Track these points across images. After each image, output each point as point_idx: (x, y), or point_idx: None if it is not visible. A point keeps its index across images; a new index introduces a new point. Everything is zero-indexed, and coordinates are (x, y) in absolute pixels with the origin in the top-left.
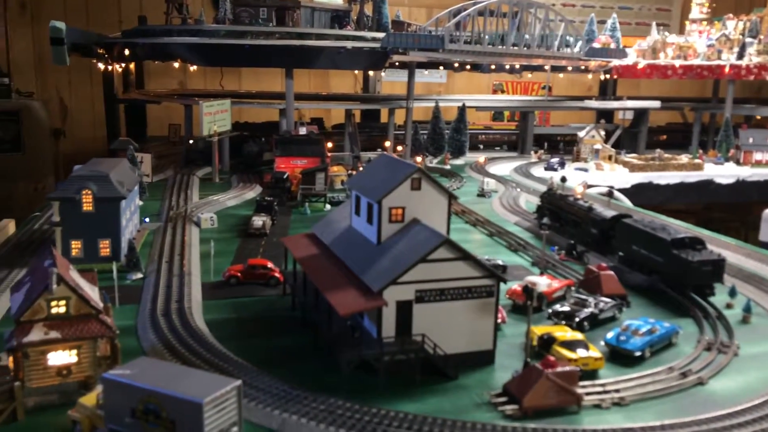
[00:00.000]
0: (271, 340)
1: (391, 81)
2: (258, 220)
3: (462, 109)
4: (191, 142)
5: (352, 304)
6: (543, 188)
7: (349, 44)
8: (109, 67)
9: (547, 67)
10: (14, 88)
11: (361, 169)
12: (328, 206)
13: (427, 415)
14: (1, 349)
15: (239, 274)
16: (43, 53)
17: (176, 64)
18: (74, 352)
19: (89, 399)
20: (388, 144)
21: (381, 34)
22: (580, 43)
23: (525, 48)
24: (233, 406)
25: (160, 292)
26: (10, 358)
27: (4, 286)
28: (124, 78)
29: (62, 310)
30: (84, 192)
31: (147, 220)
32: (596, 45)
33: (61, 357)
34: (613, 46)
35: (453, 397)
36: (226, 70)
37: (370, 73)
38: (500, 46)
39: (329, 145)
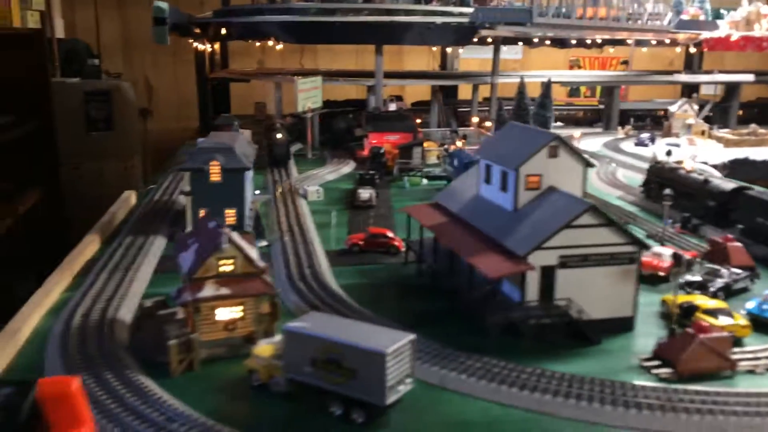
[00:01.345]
0: (406, 304)
1: (465, 58)
2: (365, 193)
3: (548, 85)
4: (287, 118)
5: (501, 268)
6: (638, 163)
7: (438, 19)
8: (201, 47)
9: (630, 41)
10: (104, 70)
11: (459, 143)
12: (424, 180)
13: (587, 375)
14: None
15: (361, 243)
16: (129, 35)
17: (257, 44)
18: (239, 308)
19: (264, 350)
20: (475, 120)
21: (468, 9)
22: (669, 15)
23: (614, 21)
24: (408, 358)
25: (290, 259)
26: (188, 312)
27: (145, 250)
28: (210, 58)
29: (230, 268)
30: (212, 163)
31: (258, 192)
32: (685, 17)
33: (227, 313)
34: (702, 17)
35: (599, 360)
36: (303, 49)
37: (448, 50)
38: (587, 20)
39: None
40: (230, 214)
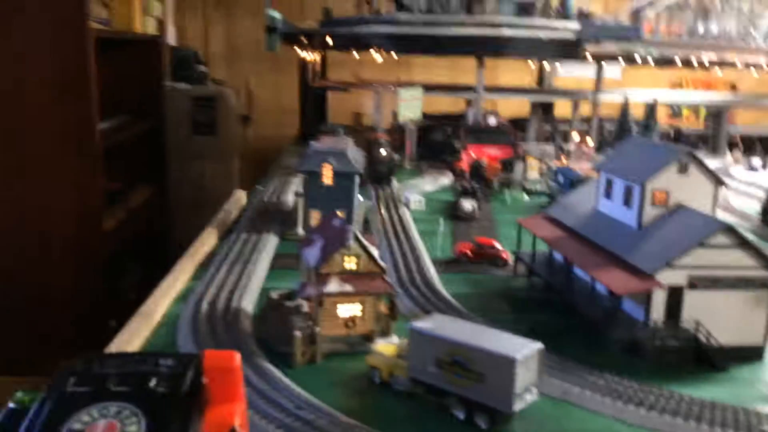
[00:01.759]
0: (519, 316)
1: (561, 76)
2: (467, 204)
3: (653, 106)
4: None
5: (628, 285)
6: (752, 189)
7: (544, 34)
8: (306, 56)
9: (740, 64)
10: (209, 77)
11: (564, 160)
12: (526, 196)
13: (720, 402)
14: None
15: (469, 252)
16: (234, 44)
17: (355, 56)
18: (360, 306)
19: (387, 348)
20: (576, 137)
21: (572, 24)
22: None
23: (726, 41)
24: (535, 367)
25: (399, 264)
26: (310, 305)
27: (260, 247)
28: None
29: (353, 266)
30: (325, 165)
31: (361, 198)
32: None
33: (349, 309)
34: None
35: (727, 387)
36: (398, 62)
37: (546, 65)
38: (699, 39)
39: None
40: (342, 215)
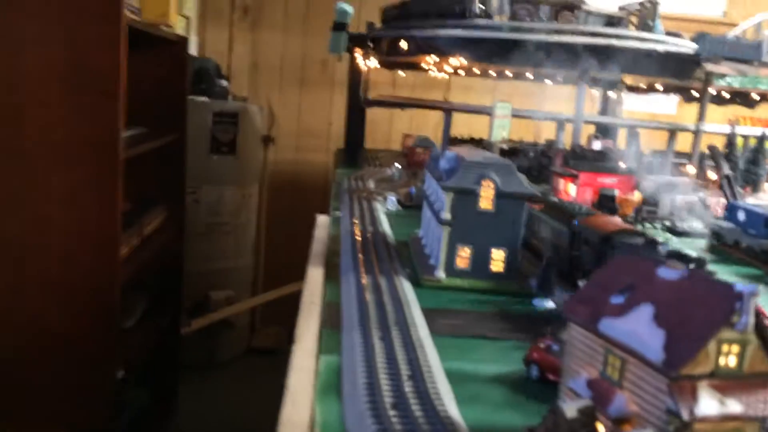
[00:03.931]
0: None
1: (627, 109)
2: None
3: (762, 138)
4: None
5: None
6: None
7: (659, 47)
8: (361, 66)
9: None
10: (231, 92)
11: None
12: (669, 235)
13: None
14: None
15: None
16: (257, 59)
17: (398, 73)
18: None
19: None
20: (692, 170)
21: (685, 40)
22: None
23: None
24: None
25: None
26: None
27: (401, 300)
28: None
29: (733, 362)
30: (485, 183)
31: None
32: None
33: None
34: None
35: None
36: (437, 82)
37: (611, 95)
38: None
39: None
40: (498, 256)
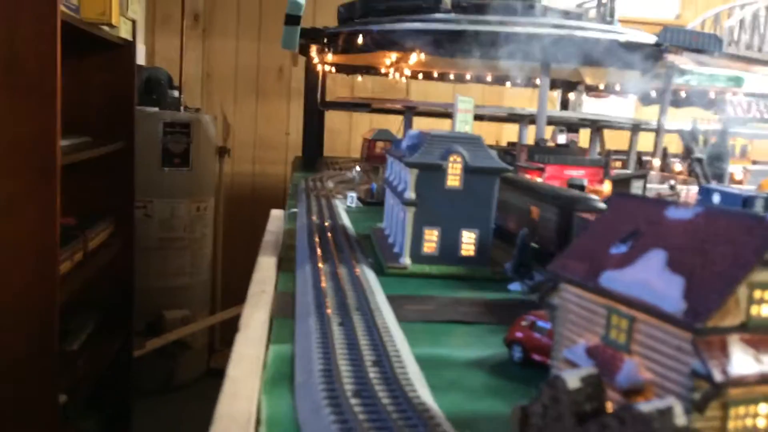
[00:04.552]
0: None
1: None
2: None
3: (723, 132)
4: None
5: None
6: None
7: (621, 37)
8: (318, 67)
9: None
10: (183, 103)
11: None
12: None
13: None
14: None
15: None
16: (210, 68)
17: (352, 75)
18: None
19: None
20: (657, 164)
21: (646, 33)
22: None
23: None
24: None
25: None
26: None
27: (364, 288)
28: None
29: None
30: (453, 158)
31: None
32: None
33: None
34: None
35: None
36: (397, 84)
37: (571, 95)
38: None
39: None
40: (469, 239)
